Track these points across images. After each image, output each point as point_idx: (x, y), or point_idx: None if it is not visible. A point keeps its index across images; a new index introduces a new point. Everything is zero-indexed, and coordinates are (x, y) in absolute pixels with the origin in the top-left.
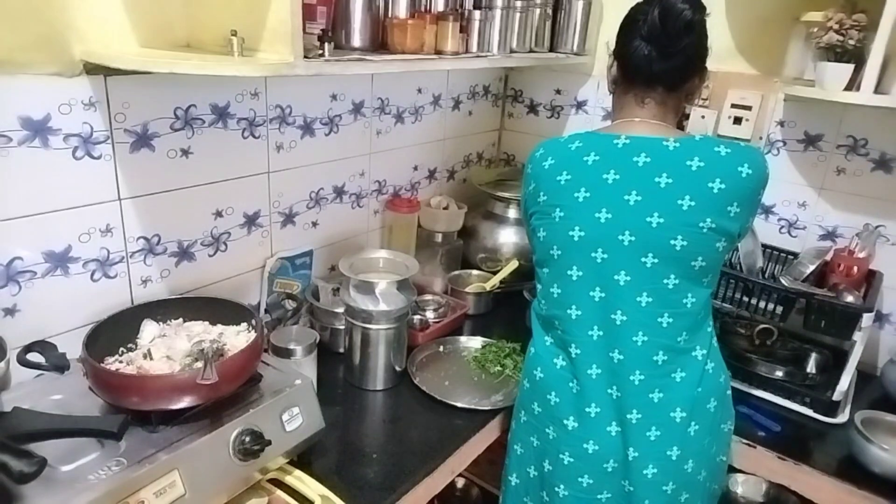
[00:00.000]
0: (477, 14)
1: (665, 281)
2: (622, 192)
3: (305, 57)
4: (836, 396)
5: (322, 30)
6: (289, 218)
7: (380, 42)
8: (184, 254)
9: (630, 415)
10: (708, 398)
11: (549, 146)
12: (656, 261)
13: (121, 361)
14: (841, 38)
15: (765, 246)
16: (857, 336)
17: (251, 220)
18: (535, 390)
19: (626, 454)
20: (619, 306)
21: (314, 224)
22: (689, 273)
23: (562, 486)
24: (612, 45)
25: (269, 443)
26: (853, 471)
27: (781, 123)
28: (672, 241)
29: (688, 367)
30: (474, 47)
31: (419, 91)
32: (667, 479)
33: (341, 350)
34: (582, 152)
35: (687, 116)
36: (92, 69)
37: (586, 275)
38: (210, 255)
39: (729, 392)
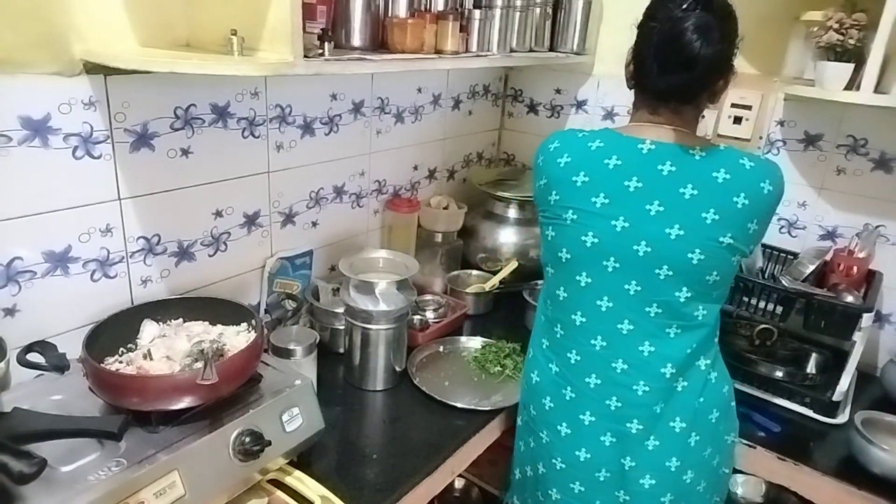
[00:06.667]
0: (477, 13)
1: (677, 294)
2: (644, 201)
3: (305, 56)
4: (836, 397)
5: (322, 29)
6: (289, 218)
7: (380, 41)
8: (184, 254)
9: (630, 424)
10: (710, 409)
11: (566, 140)
12: (670, 273)
13: (121, 362)
14: (841, 37)
15: (765, 246)
16: (857, 336)
17: (251, 220)
18: (532, 393)
19: (621, 464)
20: (626, 315)
21: (314, 224)
22: (702, 287)
23: (554, 490)
24: (596, 50)
25: (269, 443)
26: (853, 471)
27: (781, 123)
28: (689, 255)
29: (691, 377)
30: (474, 47)
31: (419, 91)
32: (665, 491)
33: (341, 350)
34: (602, 154)
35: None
36: (92, 69)
37: (595, 283)
38: (210, 255)
39: (733, 403)
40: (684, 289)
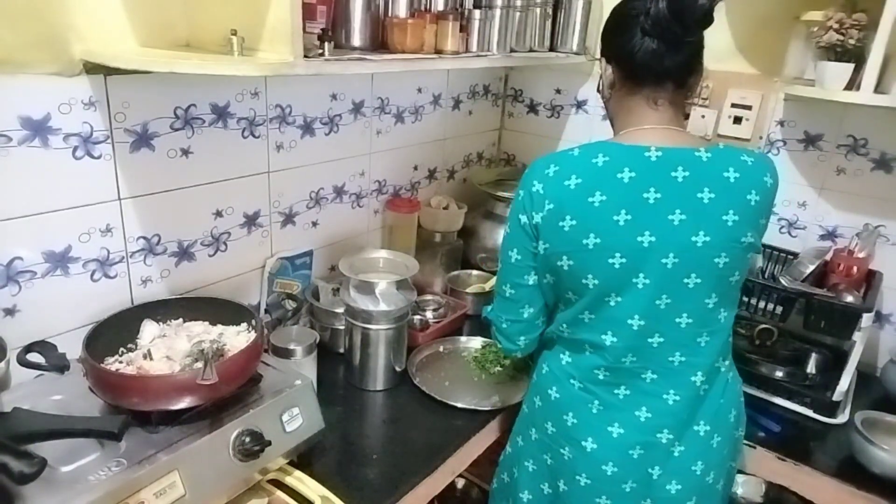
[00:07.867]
0: (477, 13)
1: (706, 301)
2: (665, 211)
3: (305, 56)
4: (836, 397)
5: (322, 29)
6: (289, 218)
7: (380, 41)
8: (184, 254)
9: (660, 434)
10: (729, 409)
11: (563, 161)
12: (699, 281)
13: (121, 362)
14: (841, 37)
15: (765, 246)
16: (857, 336)
17: (251, 220)
18: (549, 410)
19: (648, 474)
20: (657, 329)
21: (314, 224)
22: (726, 290)
23: None
24: (596, 50)
25: (269, 443)
26: (853, 471)
27: (781, 123)
28: (716, 260)
29: (713, 380)
30: (474, 47)
31: (419, 91)
32: (690, 494)
33: (341, 350)
34: (613, 168)
35: (687, 116)
36: (92, 69)
37: (625, 301)
38: (210, 255)
39: (742, 399)
40: (713, 294)
